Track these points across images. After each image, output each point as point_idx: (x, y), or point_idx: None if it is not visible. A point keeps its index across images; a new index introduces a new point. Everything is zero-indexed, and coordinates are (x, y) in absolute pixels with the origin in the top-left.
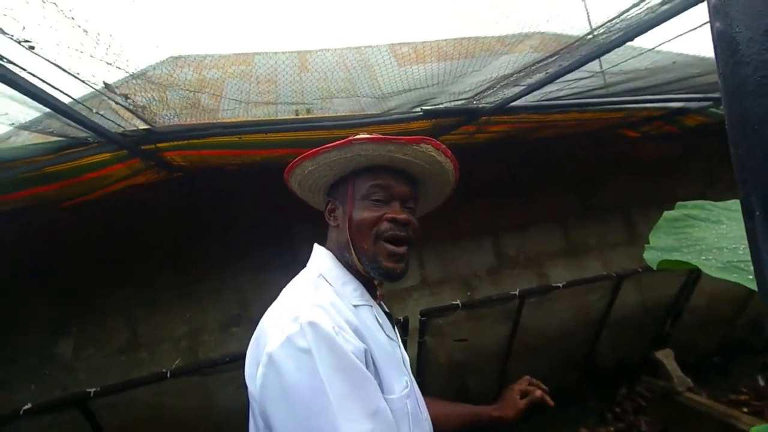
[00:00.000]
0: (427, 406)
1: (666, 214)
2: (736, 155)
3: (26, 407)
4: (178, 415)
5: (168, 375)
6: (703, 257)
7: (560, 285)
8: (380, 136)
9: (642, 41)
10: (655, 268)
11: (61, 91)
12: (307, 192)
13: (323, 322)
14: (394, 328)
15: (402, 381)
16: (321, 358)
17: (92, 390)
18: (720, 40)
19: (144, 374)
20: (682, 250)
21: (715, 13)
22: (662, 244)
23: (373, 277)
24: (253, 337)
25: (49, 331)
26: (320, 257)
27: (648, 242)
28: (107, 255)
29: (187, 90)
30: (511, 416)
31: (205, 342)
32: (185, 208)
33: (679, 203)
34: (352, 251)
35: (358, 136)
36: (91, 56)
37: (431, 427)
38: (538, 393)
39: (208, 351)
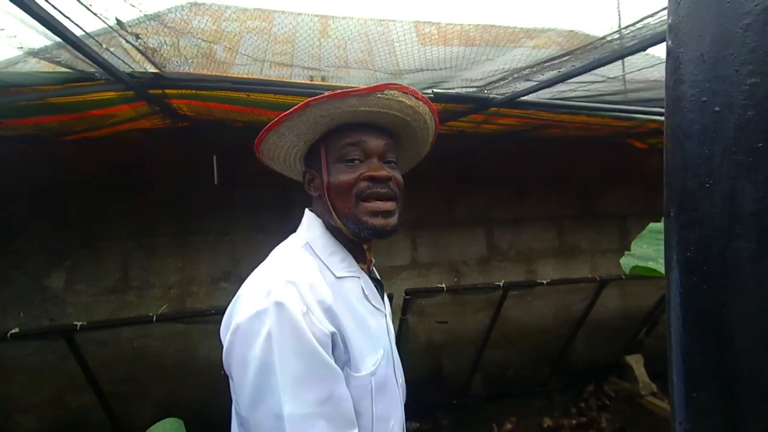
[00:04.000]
0: None
1: (651, 225)
2: (665, 161)
3: (13, 331)
4: (160, 358)
5: (154, 319)
6: None
7: (544, 282)
8: (338, 91)
9: (659, 51)
10: (628, 272)
11: (72, 21)
12: (284, 166)
13: (291, 302)
14: (383, 298)
15: (376, 354)
16: (281, 340)
17: (79, 323)
18: (668, 56)
19: (131, 315)
20: (659, 261)
21: (669, 31)
22: (641, 253)
23: (364, 240)
24: (234, 297)
25: (43, 261)
26: (310, 224)
27: (630, 250)
28: (111, 194)
29: (201, 39)
30: None
31: (194, 293)
32: (191, 159)
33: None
34: (336, 218)
35: (314, 97)
36: None
37: (403, 393)
38: None
39: (196, 302)
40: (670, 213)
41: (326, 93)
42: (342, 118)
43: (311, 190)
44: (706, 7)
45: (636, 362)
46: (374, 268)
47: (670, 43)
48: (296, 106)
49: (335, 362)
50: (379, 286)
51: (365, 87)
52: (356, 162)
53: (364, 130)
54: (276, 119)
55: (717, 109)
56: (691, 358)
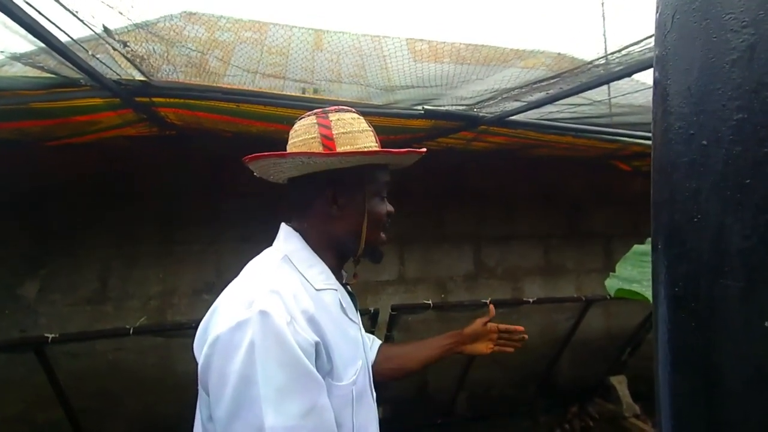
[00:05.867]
0: (394, 355)
1: (635, 247)
2: (652, 194)
3: None
4: (136, 373)
5: (131, 332)
6: None
7: (530, 300)
8: (411, 149)
9: (643, 77)
10: (612, 294)
11: (58, 26)
12: (285, 168)
13: (276, 311)
14: (356, 311)
15: (356, 365)
16: (265, 350)
17: (50, 336)
18: (655, 88)
19: (107, 327)
20: (643, 283)
21: (656, 63)
22: (626, 275)
23: (359, 260)
24: (209, 310)
25: (16, 269)
26: (287, 237)
27: (614, 271)
28: (93, 200)
29: (191, 49)
30: (466, 334)
31: (175, 305)
32: (177, 168)
33: (649, 238)
34: (362, 241)
35: (374, 149)
36: None
37: (375, 405)
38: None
39: (177, 314)
40: (657, 246)
41: (404, 149)
42: (387, 160)
43: (333, 208)
44: (693, 41)
45: (620, 383)
46: (349, 285)
47: (657, 74)
48: (399, 150)
49: (318, 372)
50: (353, 298)
51: (420, 150)
52: (385, 199)
53: (388, 172)
54: (375, 150)
55: (704, 143)
56: (679, 399)
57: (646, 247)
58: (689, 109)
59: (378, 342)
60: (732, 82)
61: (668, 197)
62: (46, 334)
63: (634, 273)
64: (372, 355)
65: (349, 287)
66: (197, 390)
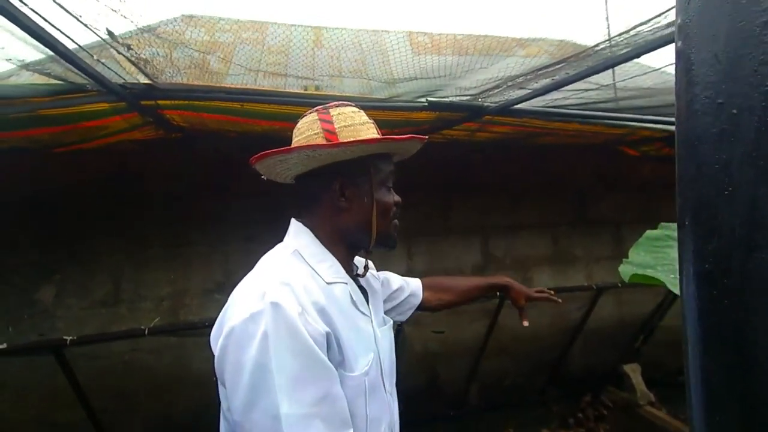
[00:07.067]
0: (443, 287)
1: (648, 232)
2: (677, 169)
3: (1, 347)
4: (152, 372)
5: (146, 332)
6: (673, 276)
7: None
8: (412, 135)
9: (649, 60)
10: (626, 280)
11: (64, 33)
12: (292, 164)
13: (287, 302)
14: (368, 304)
15: (368, 356)
16: (278, 340)
17: (68, 338)
18: (678, 58)
19: (122, 329)
20: (657, 268)
21: (678, 32)
22: (639, 260)
23: (371, 252)
24: (226, 305)
25: (32, 276)
26: (297, 233)
27: (626, 257)
28: (102, 206)
29: (194, 50)
30: (517, 290)
31: (187, 305)
32: (184, 170)
33: (662, 223)
34: (374, 231)
35: (401, 137)
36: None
37: (394, 397)
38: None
39: (189, 314)
40: (684, 223)
41: (404, 135)
42: (392, 149)
43: (341, 200)
44: (719, 5)
45: (633, 371)
46: (369, 274)
47: (680, 44)
48: (399, 137)
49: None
50: (364, 292)
51: (421, 136)
52: (391, 188)
53: (392, 162)
54: (374, 138)
55: (734, 111)
56: (712, 378)
57: (659, 232)
58: (717, 78)
59: (418, 282)
60: (764, 46)
61: (695, 171)
62: (64, 337)
63: (648, 258)
64: (416, 300)
65: (361, 281)
66: (215, 384)
